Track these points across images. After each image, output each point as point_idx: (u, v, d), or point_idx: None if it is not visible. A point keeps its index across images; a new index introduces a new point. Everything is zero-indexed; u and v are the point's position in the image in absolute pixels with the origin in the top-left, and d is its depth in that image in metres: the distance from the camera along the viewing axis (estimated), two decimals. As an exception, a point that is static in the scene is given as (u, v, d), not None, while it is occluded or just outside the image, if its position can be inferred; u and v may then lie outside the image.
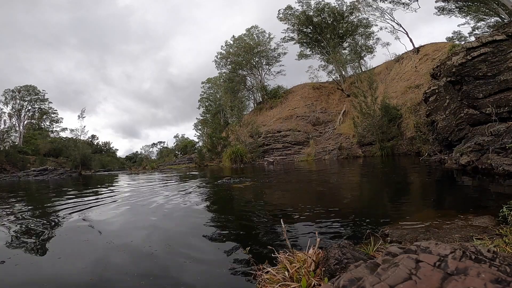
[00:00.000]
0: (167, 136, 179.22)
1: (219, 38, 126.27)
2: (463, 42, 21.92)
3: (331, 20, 34.32)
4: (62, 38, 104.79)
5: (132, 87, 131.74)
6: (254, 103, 42.01)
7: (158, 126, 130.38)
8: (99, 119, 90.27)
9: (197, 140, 45.48)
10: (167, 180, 12.45)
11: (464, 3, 24.38)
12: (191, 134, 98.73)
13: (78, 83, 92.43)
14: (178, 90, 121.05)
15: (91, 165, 32.56)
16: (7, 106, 43.85)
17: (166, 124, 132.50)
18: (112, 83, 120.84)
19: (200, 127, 44.11)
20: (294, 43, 37.80)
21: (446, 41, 27.21)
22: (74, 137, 33.06)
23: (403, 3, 27.90)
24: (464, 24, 26.60)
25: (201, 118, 45.46)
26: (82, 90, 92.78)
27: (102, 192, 8.79)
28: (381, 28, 32.16)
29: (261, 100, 39.55)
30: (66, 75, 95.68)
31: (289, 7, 35.39)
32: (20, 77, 75.19)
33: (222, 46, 40.82)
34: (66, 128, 48.59)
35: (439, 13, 26.23)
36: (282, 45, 38.84)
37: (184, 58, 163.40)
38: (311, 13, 34.51)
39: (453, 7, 25.35)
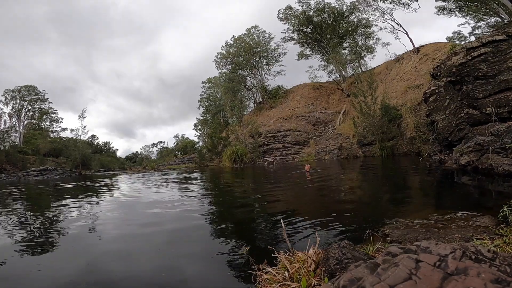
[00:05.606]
0: (165, 135, 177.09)
1: (216, 32, 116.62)
2: (463, 42, 21.91)
3: (331, 20, 34.27)
4: (44, 32, 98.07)
5: (123, 84, 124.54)
6: (254, 103, 41.97)
7: (154, 125, 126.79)
8: (92, 118, 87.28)
9: (197, 140, 45.46)
10: (166, 180, 12.45)
11: (464, 3, 24.36)
12: (191, 134, 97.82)
13: (66, 81, 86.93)
14: (173, 87, 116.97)
15: (91, 165, 32.51)
16: (7, 106, 43.87)
17: (162, 123, 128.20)
18: (101, 80, 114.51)
19: (200, 127, 44.06)
20: (294, 43, 37.77)
21: (446, 41, 27.17)
22: (74, 137, 33.03)
23: (403, 3, 27.86)
24: (464, 24, 26.57)
25: (201, 118, 45.44)
26: (71, 88, 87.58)
27: (102, 192, 8.79)
28: (381, 28, 31.99)
29: (261, 100, 39.50)
30: (52, 72, 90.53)
31: (289, 7, 35.37)
32: (2, 74, 70.68)
33: (222, 46, 40.82)
34: (66, 128, 48.61)
35: (439, 13, 26.21)
36: (282, 45, 38.82)
37: (177, 53, 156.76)
38: (311, 13, 34.45)
39: (453, 7, 25.31)
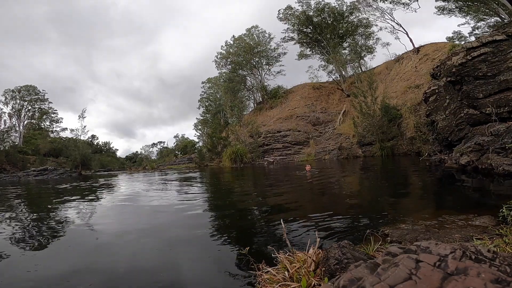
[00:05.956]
0: (165, 135, 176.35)
1: (216, 32, 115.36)
2: (463, 42, 21.89)
3: (331, 20, 34.26)
4: (44, 32, 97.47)
5: (123, 84, 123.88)
6: (254, 103, 41.98)
7: (154, 125, 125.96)
8: (92, 118, 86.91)
9: (197, 140, 45.46)
10: (166, 180, 12.45)
11: (464, 3, 24.35)
12: (191, 134, 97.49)
13: (66, 81, 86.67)
14: (173, 87, 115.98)
15: (91, 165, 32.49)
16: (7, 106, 43.86)
17: (162, 123, 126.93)
18: (101, 80, 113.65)
19: (200, 127, 44.07)
20: (294, 43, 37.77)
21: (446, 41, 27.15)
22: (74, 137, 33.00)
23: (403, 3, 27.85)
24: (464, 24, 26.54)
25: (201, 118, 45.44)
26: (71, 88, 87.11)
27: (101, 192, 8.79)
28: (381, 28, 31.96)
29: (261, 100, 39.50)
30: (52, 72, 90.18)
31: (289, 7, 35.37)
32: (2, 74, 66.99)
33: (222, 46, 40.86)
34: (66, 128, 48.60)
35: (439, 13, 26.20)
36: (282, 45, 38.83)
37: (177, 53, 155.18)
38: (311, 13, 34.45)
39: (453, 7, 25.30)
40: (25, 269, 2.50)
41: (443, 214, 3.16)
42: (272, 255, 1.92)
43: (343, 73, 34.08)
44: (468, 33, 27.04)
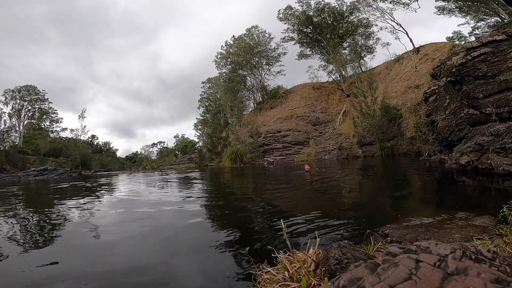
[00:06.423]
0: (165, 135, 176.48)
1: (216, 32, 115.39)
2: (463, 42, 21.89)
3: (331, 20, 34.25)
4: (44, 32, 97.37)
5: (123, 84, 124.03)
6: (254, 103, 41.97)
7: (154, 125, 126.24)
8: (92, 118, 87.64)
9: (197, 140, 45.45)
10: (166, 180, 12.45)
11: (464, 3, 24.35)
12: (191, 134, 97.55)
13: (66, 81, 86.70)
14: (173, 87, 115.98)
15: (91, 165, 32.52)
16: (7, 106, 43.88)
17: (162, 123, 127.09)
18: (101, 80, 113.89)
19: (200, 127, 44.06)
20: (294, 43, 37.76)
21: (446, 41, 27.13)
22: (74, 137, 33.02)
23: (403, 3, 27.86)
24: (464, 24, 26.51)
25: (201, 118, 45.43)
26: (71, 88, 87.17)
27: (101, 192, 8.79)
28: (381, 28, 31.92)
29: (261, 100, 39.50)
30: (52, 72, 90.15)
31: (289, 7, 35.36)
32: (2, 74, 66.17)
33: (222, 46, 40.87)
34: (66, 128, 48.63)
35: (439, 13, 26.20)
36: (282, 45, 38.83)
37: (177, 53, 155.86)
38: (311, 13, 34.45)
39: (453, 7, 25.31)
40: (20, 269, 2.49)
41: (443, 214, 3.17)
42: (272, 255, 1.92)
43: (343, 73, 34.07)
44: (468, 33, 27.02)
